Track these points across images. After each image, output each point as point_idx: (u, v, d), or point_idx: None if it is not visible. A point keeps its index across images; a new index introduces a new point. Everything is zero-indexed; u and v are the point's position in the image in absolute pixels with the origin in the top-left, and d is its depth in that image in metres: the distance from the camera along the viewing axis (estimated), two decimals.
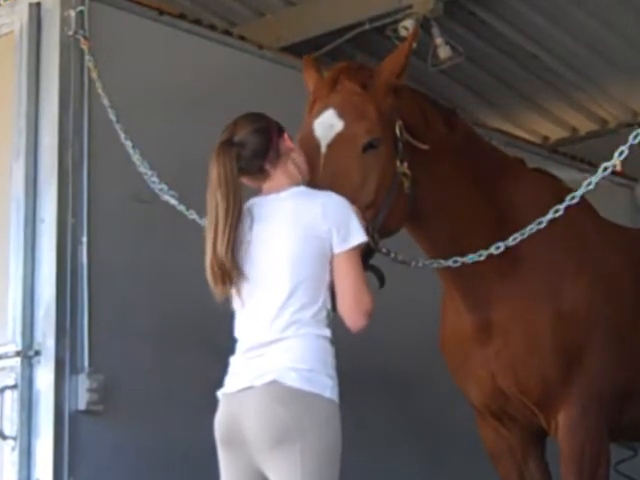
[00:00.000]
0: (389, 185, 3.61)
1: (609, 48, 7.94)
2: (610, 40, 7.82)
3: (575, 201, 3.75)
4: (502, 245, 3.84)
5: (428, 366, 5.16)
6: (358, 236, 3.32)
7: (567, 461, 3.99)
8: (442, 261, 3.91)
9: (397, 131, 3.67)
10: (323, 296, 3.30)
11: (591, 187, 3.71)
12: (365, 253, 3.45)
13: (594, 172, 3.56)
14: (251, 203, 3.39)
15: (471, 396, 4.21)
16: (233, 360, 3.36)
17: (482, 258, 3.85)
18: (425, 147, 3.73)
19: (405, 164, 3.66)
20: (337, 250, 3.29)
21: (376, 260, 3.59)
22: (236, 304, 3.39)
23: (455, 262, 3.88)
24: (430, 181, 3.81)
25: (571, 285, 4.02)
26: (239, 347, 3.36)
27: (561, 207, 3.76)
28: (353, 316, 3.30)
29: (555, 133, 9.41)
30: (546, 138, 9.45)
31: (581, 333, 3.99)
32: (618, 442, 4.54)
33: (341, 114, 3.58)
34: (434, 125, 3.91)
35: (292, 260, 3.27)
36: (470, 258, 3.86)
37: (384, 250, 3.76)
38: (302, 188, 3.39)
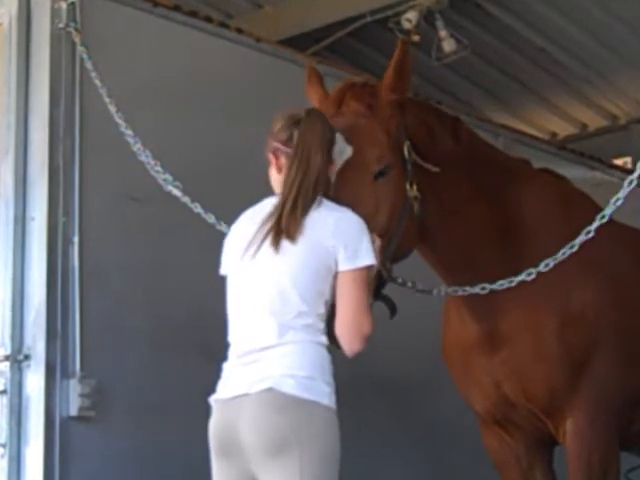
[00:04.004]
0: (401, 211, 3.53)
1: (620, 42, 7.89)
2: (621, 33, 7.77)
3: (605, 220, 3.69)
4: (534, 271, 3.75)
5: (428, 373, 5.17)
6: (367, 258, 3.22)
7: (575, 469, 3.92)
8: (468, 288, 3.84)
9: (405, 152, 3.59)
10: (321, 309, 3.22)
11: (619, 203, 3.65)
12: (378, 283, 3.39)
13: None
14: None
15: (475, 404, 4.15)
16: (226, 365, 3.29)
17: (513, 284, 3.78)
18: (436, 169, 3.65)
19: (415, 186, 3.58)
20: (342, 268, 3.20)
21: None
22: (231, 306, 3.31)
23: (483, 289, 3.81)
24: (435, 197, 3.73)
25: (578, 290, 3.95)
26: (233, 351, 3.28)
27: (592, 228, 3.69)
28: (350, 339, 3.22)
29: (564, 129, 9.36)
30: (554, 134, 9.41)
31: (588, 338, 3.92)
32: (629, 450, 4.44)
33: (349, 139, 3.46)
34: (440, 139, 3.83)
35: (293, 266, 3.19)
36: (500, 284, 3.79)
37: (400, 280, 3.69)
38: (323, 199, 3.30)
